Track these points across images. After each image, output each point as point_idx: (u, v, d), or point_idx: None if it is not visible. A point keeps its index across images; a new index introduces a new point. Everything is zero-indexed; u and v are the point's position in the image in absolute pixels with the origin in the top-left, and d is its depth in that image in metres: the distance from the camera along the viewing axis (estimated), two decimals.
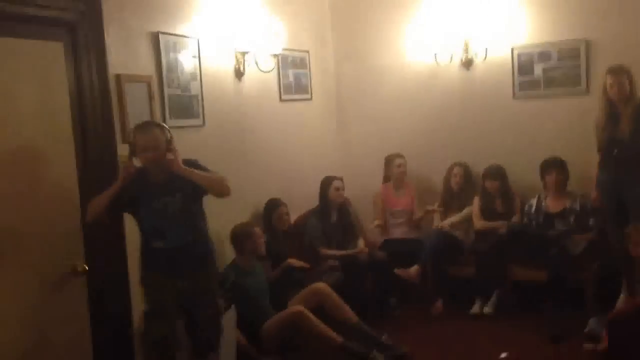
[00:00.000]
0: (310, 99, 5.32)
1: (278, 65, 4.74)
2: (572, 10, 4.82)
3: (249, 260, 4.07)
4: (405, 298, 4.86)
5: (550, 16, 4.89)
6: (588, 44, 4.79)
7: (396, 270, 4.71)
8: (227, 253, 4.18)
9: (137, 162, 3.07)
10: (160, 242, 3.04)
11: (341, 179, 4.96)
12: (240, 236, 4.05)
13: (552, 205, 4.70)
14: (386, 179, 5.41)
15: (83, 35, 3.11)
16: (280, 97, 4.90)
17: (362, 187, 5.44)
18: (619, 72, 4.22)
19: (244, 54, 4.29)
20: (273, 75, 4.79)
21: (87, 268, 3.06)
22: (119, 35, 3.39)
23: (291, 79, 5.03)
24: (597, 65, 4.75)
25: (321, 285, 4.13)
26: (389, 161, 5.35)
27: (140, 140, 2.95)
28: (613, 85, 4.22)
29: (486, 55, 5.05)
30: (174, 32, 3.81)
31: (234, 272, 3.95)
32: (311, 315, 3.81)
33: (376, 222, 5.24)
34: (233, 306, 3.70)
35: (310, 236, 4.78)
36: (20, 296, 2.84)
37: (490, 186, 4.93)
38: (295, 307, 3.86)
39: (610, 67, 4.28)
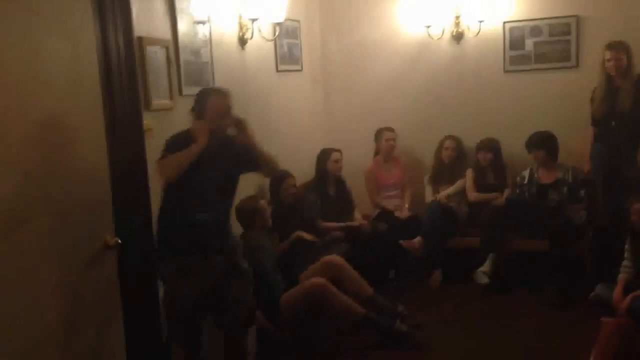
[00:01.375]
0: (301, 70, 5.20)
1: (275, 35, 4.59)
2: None
3: (259, 235, 3.95)
4: (403, 269, 4.87)
5: None
6: (579, 20, 4.91)
7: (401, 242, 4.71)
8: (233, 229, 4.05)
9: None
10: (204, 214, 2.87)
11: (340, 151, 4.90)
12: (248, 211, 3.91)
13: (545, 176, 4.82)
14: (377, 152, 5.38)
15: None
16: (277, 68, 4.76)
17: (352, 160, 5.37)
18: (617, 47, 4.35)
19: (252, 20, 4.12)
20: (270, 45, 4.64)
21: (119, 241, 2.86)
22: None
23: (285, 49, 4.90)
24: (587, 41, 4.90)
25: (335, 258, 4.06)
26: (378, 135, 5.32)
27: (215, 106, 2.86)
28: (611, 60, 4.36)
29: (479, 29, 5.09)
30: None
31: (247, 249, 3.82)
32: (333, 287, 3.74)
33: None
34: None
35: (309, 210, 4.69)
36: (55, 271, 2.62)
37: (484, 158, 5.00)
38: (316, 279, 3.77)
39: (609, 42, 4.40)
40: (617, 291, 3.97)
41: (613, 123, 4.38)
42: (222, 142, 2.90)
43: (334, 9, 5.53)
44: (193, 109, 2.94)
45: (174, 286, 2.93)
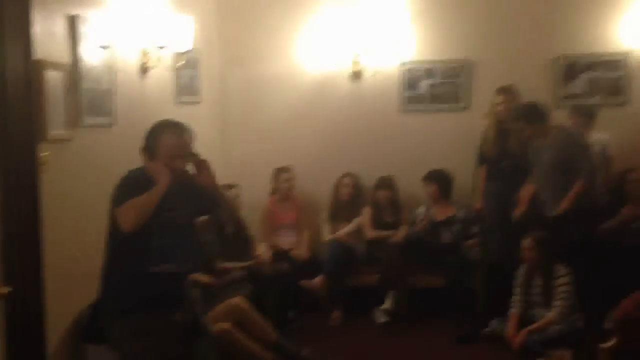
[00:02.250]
0: (200, 102, 5.02)
1: (179, 64, 4.39)
2: (456, 31, 5.19)
3: None
4: (303, 309, 4.78)
5: (437, 35, 5.22)
6: (469, 64, 5.18)
7: (302, 282, 4.62)
8: None
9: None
10: (171, 264, 2.54)
11: (236, 187, 4.75)
12: None
13: (439, 213, 4.98)
14: (274, 192, 5.29)
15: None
16: (176, 99, 4.55)
17: (249, 197, 5.23)
18: (507, 92, 4.64)
19: (160, 48, 3.92)
20: (170, 75, 4.43)
21: (8, 290, 2.53)
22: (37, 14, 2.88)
23: (185, 80, 4.70)
24: (477, 83, 5.17)
25: (239, 301, 3.88)
26: (275, 175, 5.25)
27: (168, 147, 2.54)
28: (501, 104, 4.62)
29: (377, 69, 5.21)
30: (89, 17, 3.35)
31: None
32: (240, 333, 3.56)
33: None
34: None
35: (208, 250, 4.48)
36: None
37: (383, 196, 5.08)
38: (222, 324, 3.58)
39: (499, 87, 4.68)
40: (510, 326, 4.14)
41: (504, 163, 4.62)
42: (181, 181, 2.59)
43: (234, 40, 5.43)
44: (144, 149, 2.61)
45: (132, 351, 2.52)
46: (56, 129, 3.00)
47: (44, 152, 2.84)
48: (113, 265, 2.56)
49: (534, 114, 4.29)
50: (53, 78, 2.96)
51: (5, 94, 2.60)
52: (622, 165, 4.72)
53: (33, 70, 2.77)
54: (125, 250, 2.50)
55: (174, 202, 2.56)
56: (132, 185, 2.51)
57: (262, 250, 4.82)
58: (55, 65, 3.00)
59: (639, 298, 2.56)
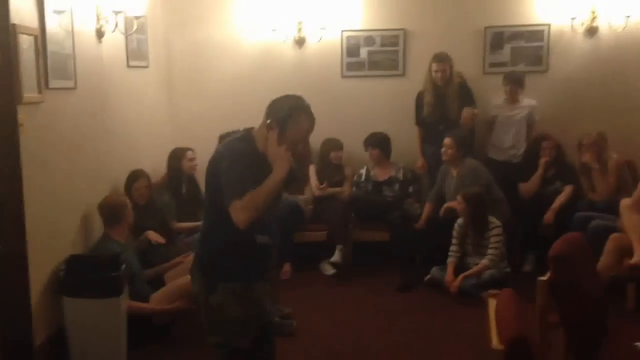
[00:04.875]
0: (148, 66, 5.09)
1: (133, 28, 4.44)
2: (394, 2, 5.49)
3: (125, 233, 3.86)
4: None
5: (376, 5, 5.49)
6: (406, 33, 5.50)
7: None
8: (95, 228, 3.91)
9: None
10: (264, 236, 2.47)
11: (193, 150, 4.90)
12: (116, 207, 3.81)
13: (380, 174, 5.32)
14: None
15: None
16: (127, 63, 4.62)
17: (198, 160, 5.39)
18: (442, 59, 4.98)
19: (116, 13, 3.97)
20: (122, 40, 4.49)
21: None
22: None
23: (135, 44, 4.76)
24: (413, 51, 5.50)
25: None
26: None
27: (303, 132, 2.40)
28: (438, 71, 4.98)
29: (320, 36, 5.44)
30: None
31: (115, 245, 3.72)
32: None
33: None
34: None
35: (164, 211, 4.62)
36: None
37: (335, 156, 5.35)
38: (188, 276, 3.76)
39: (435, 54, 5.02)
40: (448, 273, 4.59)
41: (441, 127, 5.00)
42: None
43: (177, 5, 5.50)
44: (271, 126, 2.37)
45: (232, 314, 2.47)
46: (29, 92, 3.07)
47: (20, 115, 2.92)
48: (217, 230, 2.47)
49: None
50: (25, 42, 3.01)
51: None
52: (543, 126, 5.23)
53: (10, 34, 2.83)
54: (229, 219, 2.34)
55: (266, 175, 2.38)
56: (248, 167, 2.34)
57: None
58: (26, 30, 3.05)
59: (568, 238, 2.98)
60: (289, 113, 2.39)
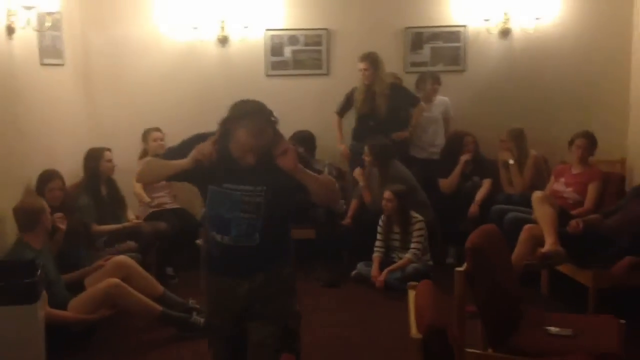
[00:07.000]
0: (63, 64, 4.92)
1: (46, 25, 4.28)
2: (317, 2, 5.54)
3: (41, 238, 3.71)
4: (179, 267, 4.96)
5: (299, 5, 5.53)
6: (329, 33, 5.56)
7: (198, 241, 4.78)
8: (8, 232, 3.74)
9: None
10: (217, 234, 2.41)
11: (110, 150, 4.76)
12: (34, 211, 3.65)
13: None
14: (144, 153, 5.31)
15: None
16: (40, 60, 4.45)
17: (117, 160, 5.24)
18: (367, 58, 5.06)
19: (28, 8, 3.82)
20: (34, 36, 4.32)
21: None
22: None
23: (49, 41, 4.59)
24: (336, 51, 5.57)
25: (124, 258, 3.99)
26: (145, 135, 5.27)
27: (247, 129, 2.30)
28: (361, 69, 5.06)
29: (243, 35, 5.41)
30: None
31: (30, 252, 3.56)
32: (128, 287, 3.69)
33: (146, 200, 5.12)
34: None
35: (83, 214, 4.48)
36: None
37: None
38: (110, 279, 3.68)
39: (361, 54, 5.09)
40: (374, 268, 4.67)
41: (371, 123, 5.08)
42: (259, 160, 2.34)
43: (95, 1, 5.36)
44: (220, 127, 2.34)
45: (210, 302, 2.61)
46: None
47: None
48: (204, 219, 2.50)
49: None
50: None
51: None
52: (462, 124, 5.40)
53: None
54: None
55: (250, 179, 2.34)
56: (192, 145, 2.35)
57: (140, 210, 4.89)
58: None
59: (483, 229, 3.09)
60: (233, 116, 2.38)
